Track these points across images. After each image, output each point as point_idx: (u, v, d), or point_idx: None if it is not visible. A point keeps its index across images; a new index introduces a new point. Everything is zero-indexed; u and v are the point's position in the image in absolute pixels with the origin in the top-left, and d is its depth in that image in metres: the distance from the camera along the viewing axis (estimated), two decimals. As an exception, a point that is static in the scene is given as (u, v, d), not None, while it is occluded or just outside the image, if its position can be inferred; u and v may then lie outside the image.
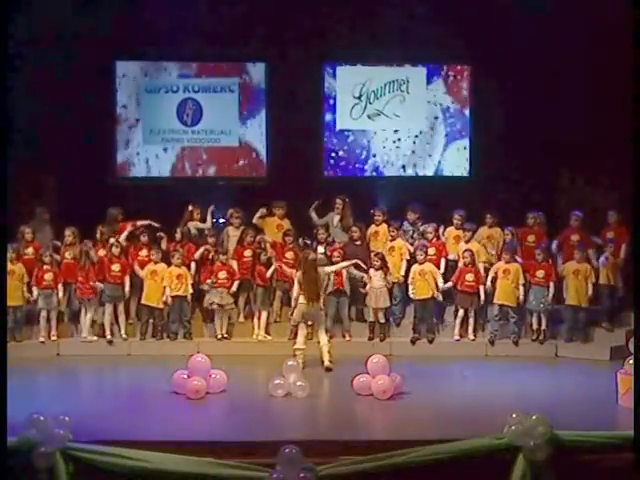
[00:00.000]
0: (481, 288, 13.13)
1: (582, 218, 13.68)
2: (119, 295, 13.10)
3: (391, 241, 13.57)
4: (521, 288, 13.03)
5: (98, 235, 13.47)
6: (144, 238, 13.43)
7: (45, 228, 13.68)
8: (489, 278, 13.15)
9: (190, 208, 13.86)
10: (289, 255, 13.21)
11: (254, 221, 13.82)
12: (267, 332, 13.16)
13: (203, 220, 13.92)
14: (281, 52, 15.05)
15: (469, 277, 13.13)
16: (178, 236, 13.49)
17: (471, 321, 13.15)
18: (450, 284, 13.17)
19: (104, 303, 13.05)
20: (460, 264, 13.29)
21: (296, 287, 12.03)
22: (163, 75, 15.24)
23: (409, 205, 13.96)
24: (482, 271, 13.31)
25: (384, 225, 13.77)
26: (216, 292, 13.09)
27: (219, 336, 13.10)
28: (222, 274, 13.11)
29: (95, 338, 12.97)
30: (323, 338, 11.89)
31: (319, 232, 13.59)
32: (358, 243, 13.52)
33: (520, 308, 13.08)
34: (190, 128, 15.09)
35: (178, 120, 15.08)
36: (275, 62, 15.35)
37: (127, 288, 13.10)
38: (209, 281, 13.10)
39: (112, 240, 13.31)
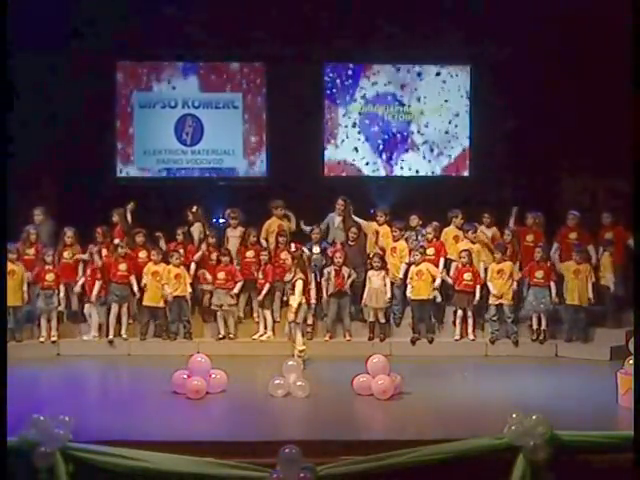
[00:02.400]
0: (477, 287, 13.14)
1: (579, 217, 13.69)
2: (126, 295, 13.11)
3: (394, 241, 13.57)
4: (514, 285, 13.04)
5: (100, 237, 13.42)
6: (139, 239, 13.42)
7: (45, 228, 13.66)
8: (487, 279, 13.15)
9: (194, 209, 13.83)
10: (283, 255, 13.17)
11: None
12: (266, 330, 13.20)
13: (199, 221, 13.88)
14: (281, 52, 15.06)
15: (467, 276, 13.14)
16: (180, 237, 13.46)
17: (470, 321, 13.16)
18: (449, 279, 13.19)
19: (109, 303, 13.04)
20: (458, 264, 13.30)
21: (300, 288, 12.02)
22: (159, 88, 14.60)
23: (411, 211, 13.91)
24: (482, 271, 13.33)
25: (386, 226, 13.76)
26: (215, 293, 13.11)
27: (220, 336, 13.11)
28: (221, 275, 13.12)
29: (95, 336, 12.97)
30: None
31: (314, 232, 13.59)
32: (352, 244, 13.52)
33: (516, 307, 13.08)
34: (190, 148, 14.18)
35: (176, 139, 14.23)
36: (275, 62, 15.37)
37: (135, 288, 13.11)
38: (206, 286, 13.12)
39: (117, 241, 13.33)
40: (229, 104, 14.10)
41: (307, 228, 13.77)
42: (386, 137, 15.75)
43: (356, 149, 15.71)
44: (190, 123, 14.05)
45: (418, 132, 15.79)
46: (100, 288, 12.97)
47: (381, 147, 15.77)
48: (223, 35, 14.83)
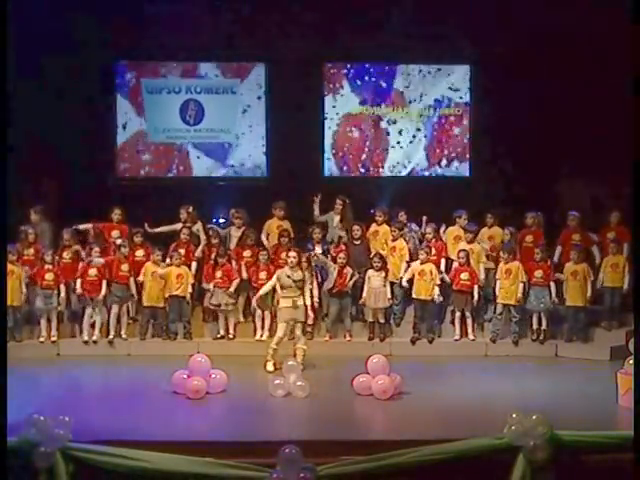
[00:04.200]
0: (475, 288, 13.14)
1: (579, 217, 13.70)
2: (127, 295, 13.11)
3: (393, 241, 13.56)
4: (520, 286, 13.05)
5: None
6: (138, 239, 13.42)
7: (46, 228, 13.65)
8: (497, 279, 13.15)
9: (190, 209, 13.84)
10: (285, 256, 13.12)
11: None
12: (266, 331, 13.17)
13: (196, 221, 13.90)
14: (281, 52, 15.07)
15: (464, 276, 13.13)
16: (185, 237, 13.47)
17: (469, 321, 13.16)
18: (447, 279, 13.19)
19: (110, 304, 13.02)
20: (455, 264, 13.30)
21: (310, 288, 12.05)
22: (166, 76, 15.47)
23: (395, 208, 13.94)
24: (482, 272, 13.33)
25: (385, 225, 13.77)
26: (215, 292, 13.12)
27: (218, 335, 13.12)
28: (218, 274, 13.12)
29: (95, 338, 12.94)
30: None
31: (315, 232, 13.59)
32: (358, 243, 13.53)
33: (521, 308, 13.09)
34: (193, 127, 15.48)
35: (181, 120, 15.46)
36: (275, 62, 15.38)
37: (134, 289, 13.14)
38: (207, 285, 13.17)
39: (119, 241, 13.34)
40: (228, 90, 15.41)
41: (322, 218, 13.80)
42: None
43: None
44: (193, 107, 15.43)
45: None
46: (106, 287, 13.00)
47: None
48: (223, 35, 14.85)
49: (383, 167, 15.94)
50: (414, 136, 15.88)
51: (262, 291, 12.19)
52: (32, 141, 14.06)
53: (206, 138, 15.57)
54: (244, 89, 15.64)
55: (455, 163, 15.92)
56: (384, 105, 15.83)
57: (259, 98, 15.65)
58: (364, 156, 15.94)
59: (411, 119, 15.85)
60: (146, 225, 13.60)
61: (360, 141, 15.92)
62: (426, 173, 15.94)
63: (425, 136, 15.89)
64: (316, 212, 13.93)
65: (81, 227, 13.70)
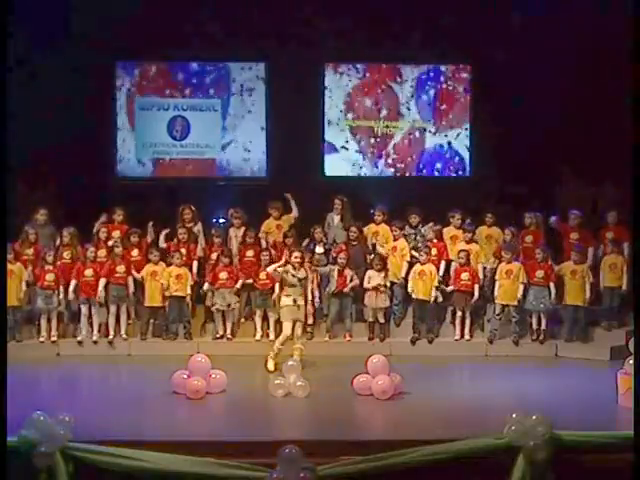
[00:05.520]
0: (476, 287, 13.14)
1: (581, 217, 13.70)
2: (123, 296, 13.10)
3: (394, 241, 13.56)
4: (521, 287, 13.04)
5: (104, 236, 13.46)
6: (134, 239, 13.43)
7: (46, 229, 13.65)
8: (496, 279, 13.14)
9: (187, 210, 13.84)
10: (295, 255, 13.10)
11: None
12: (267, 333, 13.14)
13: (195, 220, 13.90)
14: (281, 52, 15.07)
15: (464, 276, 13.13)
16: (183, 236, 13.46)
17: (467, 322, 13.16)
18: (451, 287, 13.18)
19: (107, 304, 13.02)
20: (456, 264, 13.29)
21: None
22: (156, 95, 15.90)
23: (410, 209, 13.92)
24: (481, 271, 13.33)
25: (384, 225, 13.77)
26: (218, 293, 13.10)
27: (217, 335, 13.12)
28: (223, 275, 13.11)
29: (95, 338, 12.95)
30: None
31: (316, 231, 13.58)
32: (355, 243, 13.53)
33: (521, 308, 13.09)
34: (179, 142, 15.95)
35: (169, 135, 15.89)
36: (275, 62, 15.38)
37: (131, 289, 13.14)
38: (206, 286, 13.14)
39: (111, 242, 13.33)
40: (210, 108, 15.93)
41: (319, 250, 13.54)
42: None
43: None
44: (180, 122, 15.89)
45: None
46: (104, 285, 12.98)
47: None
48: (223, 35, 14.86)
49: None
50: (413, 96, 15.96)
51: (275, 266, 12.11)
52: (31, 140, 14.04)
53: (191, 154, 15.89)
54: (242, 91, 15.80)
55: (457, 129, 15.90)
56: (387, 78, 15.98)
57: (256, 100, 15.73)
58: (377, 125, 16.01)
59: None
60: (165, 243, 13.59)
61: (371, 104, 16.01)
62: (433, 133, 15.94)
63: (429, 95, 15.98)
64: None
65: (97, 228, 13.64)
